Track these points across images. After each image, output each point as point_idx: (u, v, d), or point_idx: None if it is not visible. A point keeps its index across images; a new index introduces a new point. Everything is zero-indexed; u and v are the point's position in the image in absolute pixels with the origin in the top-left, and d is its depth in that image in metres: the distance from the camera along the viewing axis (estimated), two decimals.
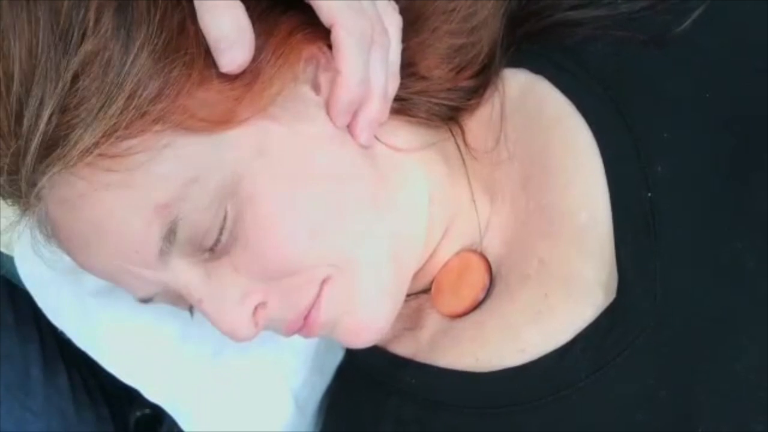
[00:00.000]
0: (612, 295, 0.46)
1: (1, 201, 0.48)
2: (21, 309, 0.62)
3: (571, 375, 0.46)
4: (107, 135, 0.43)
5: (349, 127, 0.49)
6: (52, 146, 0.43)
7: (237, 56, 0.44)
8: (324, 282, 0.48)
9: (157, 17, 0.43)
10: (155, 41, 0.43)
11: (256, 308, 0.48)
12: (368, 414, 0.54)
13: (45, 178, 0.44)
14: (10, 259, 0.63)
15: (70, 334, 0.61)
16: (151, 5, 0.43)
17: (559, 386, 0.46)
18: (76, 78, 0.42)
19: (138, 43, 0.43)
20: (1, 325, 0.60)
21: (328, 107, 0.48)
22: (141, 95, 0.43)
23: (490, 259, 0.53)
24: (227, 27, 0.43)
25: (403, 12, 0.51)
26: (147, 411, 0.68)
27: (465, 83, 0.53)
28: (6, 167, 0.44)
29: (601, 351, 0.46)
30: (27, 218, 0.47)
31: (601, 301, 0.47)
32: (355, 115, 0.49)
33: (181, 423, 0.62)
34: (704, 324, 0.44)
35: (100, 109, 0.42)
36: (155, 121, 0.43)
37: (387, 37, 0.48)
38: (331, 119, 0.48)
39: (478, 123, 0.54)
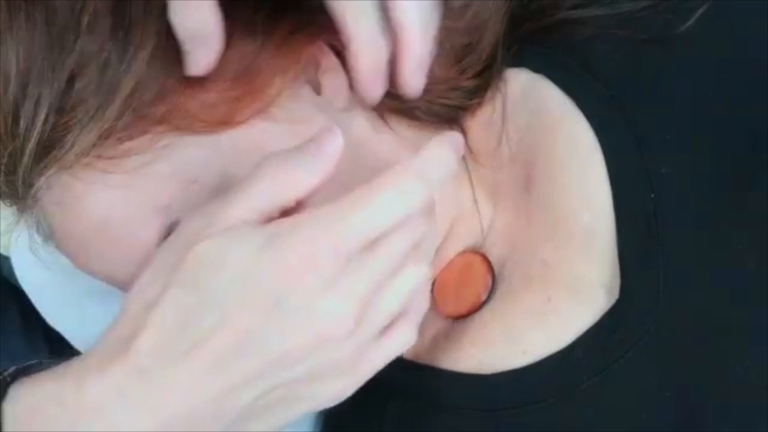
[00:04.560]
0: (615, 297, 0.46)
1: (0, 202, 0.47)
2: (28, 310, 0.62)
3: (574, 376, 0.46)
4: (105, 136, 0.42)
5: (394, 87, 0.45)
6: (49, 147, 0.43)
7: (200, 59, 0.42)
8: None
9: (155, 18, 0.43)
10: (153, 42, 0.43)
11: None
12: (369, 415, 0.54)
13: (42, 180, 0.44)
14: (10, 260, 0.62)
15: (67, 335, 0.61)
16: (149, 6, 0.43)
17: (562, 388, 0.46)
18: (72, 79, 0.42)
19: (135, 44, 0.42)
20: (9, 327, 0.60)
21: (356, 90, 0.46)
22: (139, 97, 0.42)
23: (492, 260, 0.53)
24: (192, 28, 0.41)
25: None
26: None
27: (467, 83, 0.53)
28: (2, 168, 0.44)
29: (604, 352, 0.45)
30: (24, 219, 0.47)
31: (604, 303, 0.47)
32: (391, 76, 0.45)
33: None
34: (705, 325, 0.44)
35: (96, 111, 0.42)
36: (154, 123, 0.43)
37: None
38: (367, 100, 0.46)
39: (479, 124, 0.54)
